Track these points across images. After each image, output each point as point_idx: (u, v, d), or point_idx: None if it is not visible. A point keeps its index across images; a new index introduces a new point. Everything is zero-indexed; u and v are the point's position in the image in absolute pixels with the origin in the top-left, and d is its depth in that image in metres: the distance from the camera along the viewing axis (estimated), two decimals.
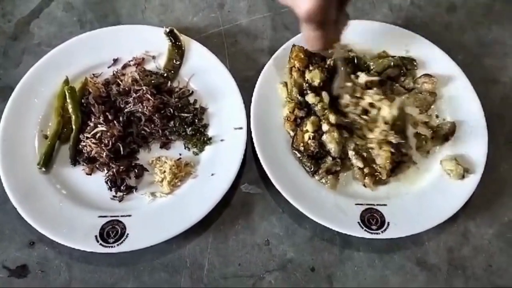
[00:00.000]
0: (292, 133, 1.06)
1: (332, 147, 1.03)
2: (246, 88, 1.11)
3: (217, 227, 1.01)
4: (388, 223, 0.97)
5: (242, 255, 0.99)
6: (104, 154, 1.01)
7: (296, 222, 1.02)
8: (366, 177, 1.02)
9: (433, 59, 1.16)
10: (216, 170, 1.03)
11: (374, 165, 1.03)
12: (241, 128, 1.05)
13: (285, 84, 1.11)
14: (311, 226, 1.01)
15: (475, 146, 1.06)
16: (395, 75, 1.14)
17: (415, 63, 1.16)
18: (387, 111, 1.00)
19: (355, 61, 1.14)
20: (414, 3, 1.33)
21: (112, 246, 0.93)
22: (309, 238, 1.01)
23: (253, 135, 1.03)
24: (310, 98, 1.06)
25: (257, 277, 0.97)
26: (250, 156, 1.08)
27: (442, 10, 1.33)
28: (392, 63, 1.13)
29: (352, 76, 1.06)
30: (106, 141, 1.02)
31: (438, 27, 1.30)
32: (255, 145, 1.02)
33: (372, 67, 1.13)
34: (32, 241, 0.98)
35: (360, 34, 1.15)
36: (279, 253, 0.99)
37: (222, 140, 1.06)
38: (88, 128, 1.03)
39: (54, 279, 0.95)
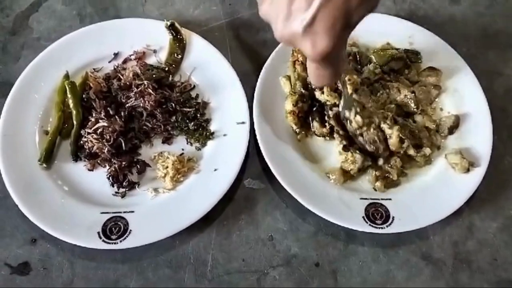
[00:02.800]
0: (295, 127, 1.06)
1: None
2: (248, 81, 1.10)
3: (220, 222, 1.01)
4: (393, 218, 0.96)
5: (245, 251, 0.98)
6: (106, 149, 1.00)
7: (300, 217, 1.01)
8: (378, 181, 1.01)
9: (438, 52, 1.15)
10: (219, 165, 1.02)
11: (385, 166, 1.03)
12: (243, 122, 1.04)
13: (288, 77, 1.10)
14: (315, 221, 1.01)
15: (479, 139, 1.05)
16: (399, 67, 1.13)
17: (419, 56, 1.15)
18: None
19: (357, 56, 1.13)
20: None
21: (115, 243, 0.92)
22: (313, 233, 1.00)
23: (255, 129, 1.02)
24: (323, 96, 1.07)
25: (261, 272, 0.96)
26: (253, 151, 1.07)
27: (446, 2, 1.32)
28: (395, 56, 1.12)
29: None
30: (108, 137, 1.01)
31: (442, 19, 1.29)
32: (258, 139, 1.01)
33: (374, 60, 1.12)
34: (34, 238, 0.97)
35: (363, 27, 1.13)
36: (283, 248, 0.99)
37: (224, 135, 1.05)
38: (89, 123, 1.02)
39: (56, 276, 0.94)
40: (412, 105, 1.06)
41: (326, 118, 1.06)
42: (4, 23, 1.23)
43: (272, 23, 0.68)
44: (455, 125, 1.07)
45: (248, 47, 1.21)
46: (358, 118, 1.01)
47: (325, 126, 1.05)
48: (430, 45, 1.16)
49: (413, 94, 1.06)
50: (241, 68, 1.13)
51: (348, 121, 1.02)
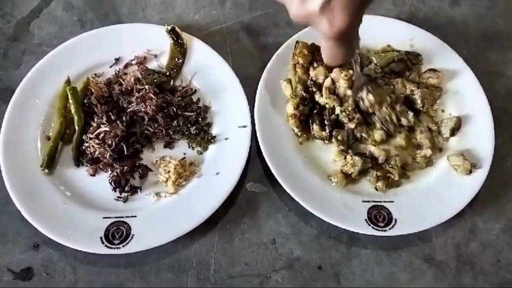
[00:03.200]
0: (296, 130, 1.06)
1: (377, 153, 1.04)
2: (249, 85, 1.10)
3: (223, 226, 1.01)
4: (396, 220, 0.96)
5: (248, 254, 0.98)
6: (108, 154, 1.00)
7: (303, 220, 1.01)
8: (379, 181, 1.01)
9: (438, 53, 1.15)
10: (221, 169, 1.02)
11: (385, 166, 1.03)
12: (245, 126, 1.04)
13: (289, 81, 1.11)
14: (317, 224, 1.00)
15: (481, 140, 1.05)
16: (400, 69, 1.13)
17: (420, 58, 1.15)
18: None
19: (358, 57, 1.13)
20: None
21: (117, 248, 0.92)
22: (316, 236, 1.00)
23: (257, 132, 1.02)
24: (322, 99, 1.07)
25: (264, 276, 0.96)
26: (254, 154, 1.07)
27: (446, 4, 1.32)
28: (396, 58, 1.12)
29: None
30: (110, 142, 1.01)
31: (442, 21, 1.29)
32: (260, 143, 1.01)
33: (375, 61, 1.13)
34: (37, 244, 0.97)
35: (363, 29, 1.13)
36: (286, 251, 0.99)
37: (226, 139, 1.06)
38: (91, 128, 1.03)
39: (59, 281, 0.94)
40: (418, 101, 1.07)
41: (325, 122, 1.06)
42: (5, 29, 1.23)
43: (287, 4, 0.68)
44: (457, 126, 1.07)
45: (248, 51, 1.22)
46: (371, 96, 1.02)
47: (324, 130, 1.05)
48: (431, 47, 1.16)
49: (419, 90, 1.07)
50: (242, 71, 1.13)
51: (361, 100, 1.04)
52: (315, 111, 1.08)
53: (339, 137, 1.04)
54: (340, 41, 0.69)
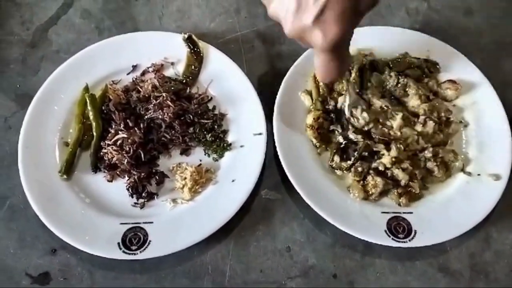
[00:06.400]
0: (314, 141, 1.06)
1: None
2: (264, 93, 1.11)
3: (238, 233, 1.01)
4: (415, 231, 0.96)
5: (263, 262, 0.99)
6: (125, 161, 1.01)
7: (317, 227, 1.02)
8: (401, 197, 1.00)
9: (455, 64, 1.15)
10: (237, 176, 1.02)
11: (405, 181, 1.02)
12: (260, 133, 1.05)
13: (308, 92, 1.11)
14: (332, 232, 1.01)
15: (499, 152, 1.05)
16: (416, 76, 1.13)
17: (438, 67, 1.15)
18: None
19: (374, 64, 1.14)
20: (431, 6, 1.33)
21: (134, 253, 0.93)
22: (331, 244, 1.01)
23: (276, 141, 1.02)
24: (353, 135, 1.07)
25: (279, 283, 0.97)
26: (269, 162, 1.07)
27: (459, 14, 1.33)
28: (413, 64, 1.13)
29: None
30: (127, 148, 1.02)
31: (456, 31, 1.29)
32: (278, 151, 1.01)
33: (391, 66, 1.14)
34: (54, 249, 0.98)
35: (379, 40, 1.15)
36: (301, 259, 0.99)
37: (241, 146, 1.06)
38: (109, 135, 1.04)
39: (76, 286, 0.95)
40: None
41: (354, 154, 1.04)
42: (24, 36, 1.25)
43: (282, 20, 0.72)
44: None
45: (263, 59, 1.23)
46: (365, 114, 1.05)
47: (345, 160, 1.04)
48: (448, 57, 1.16)
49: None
50: (257, 79, 1.14)
51: (355, 119, 1.06)
52: (341, 146, 1.06)
53: (359, 169, 1.03)
54: (333, 53, 0.72)
